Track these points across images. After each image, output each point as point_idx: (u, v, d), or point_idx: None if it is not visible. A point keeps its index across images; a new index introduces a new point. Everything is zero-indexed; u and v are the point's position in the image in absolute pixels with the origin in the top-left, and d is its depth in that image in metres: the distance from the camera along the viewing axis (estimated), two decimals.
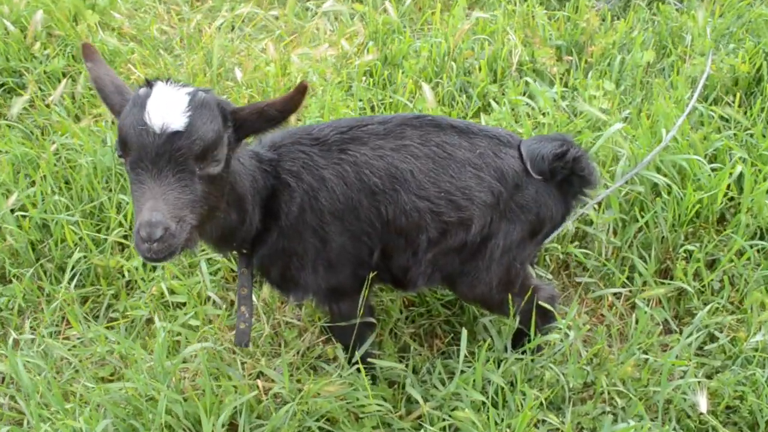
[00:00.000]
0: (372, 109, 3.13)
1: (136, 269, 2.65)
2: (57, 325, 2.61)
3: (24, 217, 2.80)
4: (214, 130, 1.58)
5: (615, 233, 2.76)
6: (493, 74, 3.34)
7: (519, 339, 2.34)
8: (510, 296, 2.13)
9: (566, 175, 2.04)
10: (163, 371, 2.11)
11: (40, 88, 3.36)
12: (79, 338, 2.53)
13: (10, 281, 2.71)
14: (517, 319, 2.21)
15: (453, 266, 2.06)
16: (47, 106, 3.27)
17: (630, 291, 2.64)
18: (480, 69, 3.26)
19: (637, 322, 2.46)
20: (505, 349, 2.29)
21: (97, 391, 2.15)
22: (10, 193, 2.90)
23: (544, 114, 3.08)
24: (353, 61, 3.39)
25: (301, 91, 1.61)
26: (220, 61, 3.34)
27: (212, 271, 2.67)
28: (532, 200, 2.02)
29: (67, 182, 2.96)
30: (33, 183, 2.97)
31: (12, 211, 2.84)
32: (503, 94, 3.21)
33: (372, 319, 2.20)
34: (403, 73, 3.21)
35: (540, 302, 2.20)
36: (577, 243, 2.74)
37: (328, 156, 1.90)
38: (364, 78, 3.27)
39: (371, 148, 1.91)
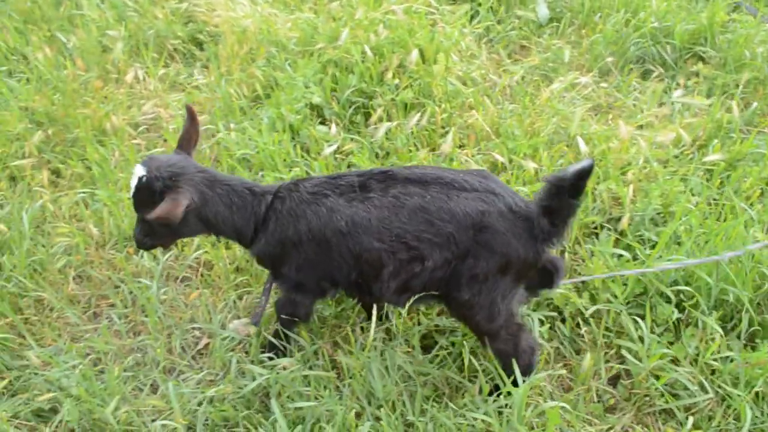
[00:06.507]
0: (708, 205, 3.12)
1: None
2: None
3: None
4: (143, 199, 2.31)
5: None
6: None
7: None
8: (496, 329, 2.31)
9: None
10: None
11: (387, 114, 3.71)
12: None
13: None
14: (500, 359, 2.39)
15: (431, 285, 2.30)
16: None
17: None
18: None
19: None
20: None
21: None
22: None
23: None
24: (688, 153, 3.40)
25: (189, 114, 2.40)
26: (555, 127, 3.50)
27: None
28: (494, 240, 2.17)
29: None
30: None
31: None
32: None
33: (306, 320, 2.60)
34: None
35: (522, 346, 2.36)
36: None
37: (311, 200, 2.34)
38: (702, 173, 3.27)
39: (345, 199, 2.30)
